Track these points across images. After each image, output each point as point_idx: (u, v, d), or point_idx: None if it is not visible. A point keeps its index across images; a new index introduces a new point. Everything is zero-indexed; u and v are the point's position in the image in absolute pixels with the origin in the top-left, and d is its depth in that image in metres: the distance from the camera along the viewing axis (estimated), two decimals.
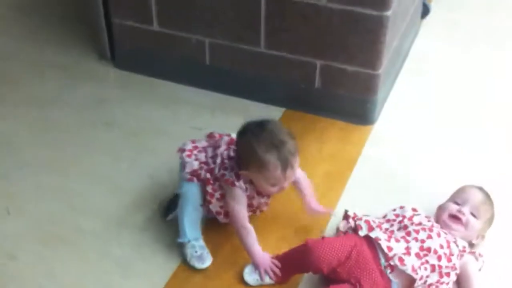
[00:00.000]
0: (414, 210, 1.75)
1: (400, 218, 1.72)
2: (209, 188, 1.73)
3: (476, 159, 2.08)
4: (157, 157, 2.10)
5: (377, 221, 1.72)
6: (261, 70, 2.29)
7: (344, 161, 2.09)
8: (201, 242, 1.76)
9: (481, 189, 1.79)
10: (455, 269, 1.62)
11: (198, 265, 1.72)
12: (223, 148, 1.76)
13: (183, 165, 1.78)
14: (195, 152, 1.79)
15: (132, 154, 2.13)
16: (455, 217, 1.72)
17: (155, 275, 1.71)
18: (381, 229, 1.67)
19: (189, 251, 1.73)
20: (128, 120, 2.28)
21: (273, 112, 2.28)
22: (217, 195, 1.74)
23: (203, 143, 1.82)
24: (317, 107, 2.28)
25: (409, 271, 1.56)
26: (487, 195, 1.78)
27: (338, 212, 1.83)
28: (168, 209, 1.86)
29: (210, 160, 1.76)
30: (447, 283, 1.61)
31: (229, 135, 1.80)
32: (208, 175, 1.73)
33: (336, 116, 2.26)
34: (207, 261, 1.72)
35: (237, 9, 2.19)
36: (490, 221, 1.77)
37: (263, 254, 1.70)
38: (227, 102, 2.36)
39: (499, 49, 2.63)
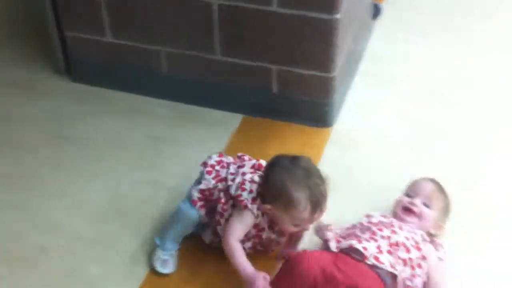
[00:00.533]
0: (368, 216, 1.77)
1: (359, 224, 1.75)
2: (219, 207, 1.68)
3: (434, 158, 2.13)
4: (118, 169, 2.09)
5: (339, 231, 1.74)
6: (218, 77, 2.29)
7: None
8: (174, 252, 1.75)
9: (432, 180, 1.83)
10: (425, 258, 1.64)
11: (160, 268, 1.71)
12: (247, 168, 1.70)
13: (198, 180, 1.74)
14: (217, 167, 1.74)
15: (93, 167, 2.11)
16: (408, 209, 1.75)
17: None
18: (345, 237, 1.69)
19: (157, 254, 1.73)
20: (86, 134, 2.26)
21: (232, 119, 2.30)
22: (226, 215, 1.68)
23: (229, 159, 1.77)
24: (276, 112, 2.29)
25: (388, 268, 1.56)
26: (438, 185, 1.82)
27: None
28: None
29: (229, 177, 1.70)
30: (420, 275, 1.62)
31: (258, 160, 1.75)
32: (222, 194, 1.68)
33: (295, 120, 2.28)
34: (170, 268, 1.72)
35: (190, 18, 2.19)
36: (445, 210, 1.80)
37: (255, 272, 1.59)
38: (186, 111, 2.36)
39: (452, 47, 2.69)
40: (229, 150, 2.15)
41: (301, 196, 1.56)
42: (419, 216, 1.74)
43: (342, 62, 2.21)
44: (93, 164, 2.12)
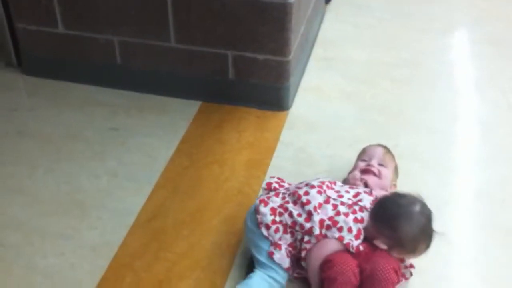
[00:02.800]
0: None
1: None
2: (303, 253, 1.61)
3: (386, 136, 2.17)
4: (75, 163, 2.07)
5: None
6: (174, 65, 2.29)
7: (263, 149, 2.14)
8: None
9: (380, 144, 1.92)
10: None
11: None
12: (319, 200, 1.63)
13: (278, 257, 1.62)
14: (277, 218, 1.63)
15: (49, 162, 2.08)
16: (367, 171, 1.81)
17: (84, 281, 1.69)
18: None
19: None
20: (42, 127, 2.23)
21: (190, 106, 2.30)
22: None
23: (274, 199, 1.67)
24: (233, 98, 2.30)
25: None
26: (387, 148, 1.91)
27: None
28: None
29: (300, 219, 1.61)
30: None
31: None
32: (306, 239, 1.60)
33: (252, 105, 2.29)
34: None
35: (142, 5, 2.17)
36: (396, 170, 1.88)
37: None
38: (143, 101, 2.35)
39: (405, 29, 2.75)
40: (187, 138, 2.16)
41: (423, 246, 1.59)
42: (378, 175, 1.80)
43: (296, 46, 2.23)
44: (50, 158, 2.09)
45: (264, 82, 2.23)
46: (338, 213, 1.61)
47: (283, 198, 1.67)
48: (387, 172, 1.83)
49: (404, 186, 1.86)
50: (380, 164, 1.84)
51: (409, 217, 1.58)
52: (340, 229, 1.59)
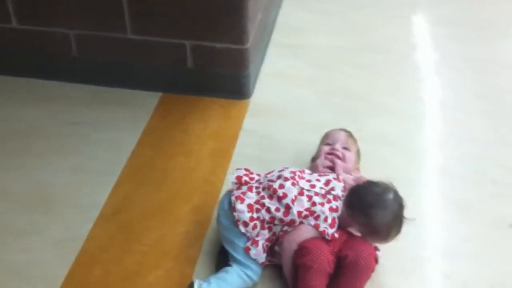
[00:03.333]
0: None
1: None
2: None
3: (348, 119, 2.20)
4: (37, 159, 2.04)
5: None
6: (132, 57, 2.27)
7: (227, 137, 2.14)
8: None
9: (342, 128, 1.95)
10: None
11: None
12: (294, 193, 1.63)
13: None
14: (255, 215, 1.63)
15: (11, 158, 2.04)
16: (331, 154, 1.83)
17: (52, 276, 1.67)
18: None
19: None
20: (2, 124, 2.18)
21: (151, 98, 2.29)
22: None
23: (250, 195, 1.65)
24: (193, 88, 2.30)
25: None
26: (349, 132, 1.94)
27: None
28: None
29: (278, 213, 1.62)
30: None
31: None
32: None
33: (213, 94, 2.29)
34: None
35: None
36: (358, 153, 1.92)
37: None
38: (103, 94, 2.32)
39: (365, 15, 2.78)
40: (150, 129, 2.15)
41: (394, 234, 1.62)
42: (342, 158, 1.83)
43: (255, 34, 2.23)
44: (13, 156, 2.06)
45: (224, 70, 2.23)
46: (314, 204, 1.62)
47: (258, 193, 1.66)
48: (350, 155, 1.86)
49: (369, 169, 1.90)
50: (344, 148, 1.86)
51: (383, 205, 1.60)
52: (316, 218, 1.61)
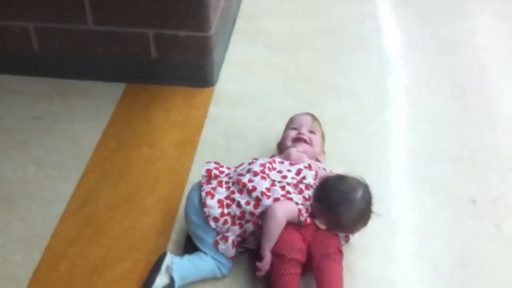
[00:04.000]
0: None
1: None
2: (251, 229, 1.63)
3: (312, 104, 2.21)
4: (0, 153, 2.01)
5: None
6: (94, 48, 2.24)
7: (192, 126, 2.13)
8: None
9: (306, 112, 1.95)
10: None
11: None
12: (266, 185, 1.62)
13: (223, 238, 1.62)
14: (225, 210, 1.61)
15: None
16: (298, 139, 1.83)
17: (17, 274, 1.65)
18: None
19: None
20: None
21: (114, 89, 2.26)
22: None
23: (219, 190, 1.64)
24: (158, 77, 2.28)
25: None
26: (313, 115, 1.94)
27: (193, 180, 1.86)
28: (150, 278, 1.60)
29: (248, 207, 1.60)
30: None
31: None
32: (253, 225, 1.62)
33: (177, 83, 2.28)
34: None
35: None
36: (323, 136, 1.92)
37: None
38: (65, 86, 2.29)
39: (326, 2, 2.78)
40: (113, 121, 2.13)
41: (361, 226, 1.63)
42: (309, 142, 1.83)
43: (217, 21, 2.22)
44: None
45: (187, 59, 2.21)
46: (288, 193, 1.62)
47: (228, 188, 1.64)
48: (317, 139, 1.86)
49: (332, 153, 1.91)
50: (310, 131, 1.86)
51: (350, 204, 1.59)
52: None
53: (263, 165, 1.67)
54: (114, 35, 2.19)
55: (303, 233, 1.61)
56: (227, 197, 1.62)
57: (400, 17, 2.75)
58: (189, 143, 2.05)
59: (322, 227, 1.62)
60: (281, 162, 1.72)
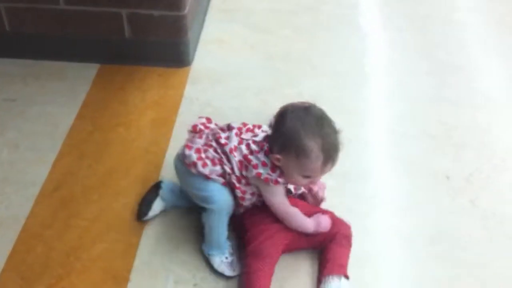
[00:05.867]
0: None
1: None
2: (238, 192, 1.60)
3: (289, 81, 2.20)
4: None
5: None
6: (67, 28, 2.20)
7: (168, 106, 2.11)
8: (230, 248, 1.67)
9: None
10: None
11: (229, 272, 1.62)
12: (235, 143, 1.59)
13: (201, 171, 1.59)
14: (203, 155, 1.59)
15: None
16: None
17: None
18: None
19: (218, 259, 1.64)
20: None
21: (88, 70, 2.23)
22: (248, 195, 1.62)
23: (198, 141, 1.62)
24: (132, 57, 2.25)
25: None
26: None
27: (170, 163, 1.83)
28: (147, 205, 1.72)
29: (224, 158, 1.59)
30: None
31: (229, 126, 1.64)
32: (234, 178, 1.59)
33: (153, 63, 2.25)
34: (237, 269, 1.63)
35: None
36: None
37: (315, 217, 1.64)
38: (38, 68, 2.26)
39: None
40: (88, 102, 2.11)
41: (314, 144, 1.49)
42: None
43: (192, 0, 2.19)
44: None
45: (162, 38, 2.19)
46: (251, 152, 1.59)
47: (207, 138, 1.64)
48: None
49: None
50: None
51: (290, 114, 1.52)
52: (255, 166, 1.58)
53: (245, 124, 1.66)
54: (86, 15, 2.16)
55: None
56: (204, 144, 1.62)
57: None
58: (165, 124, 2.04)
59: (278, 163, 1.55)
60: (266, 131, 1.66)
